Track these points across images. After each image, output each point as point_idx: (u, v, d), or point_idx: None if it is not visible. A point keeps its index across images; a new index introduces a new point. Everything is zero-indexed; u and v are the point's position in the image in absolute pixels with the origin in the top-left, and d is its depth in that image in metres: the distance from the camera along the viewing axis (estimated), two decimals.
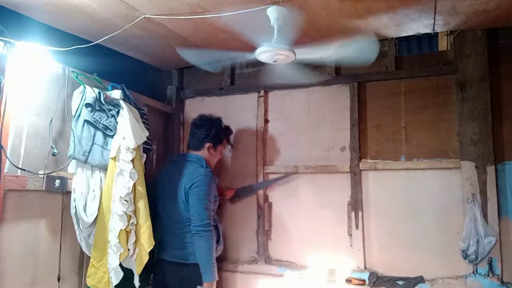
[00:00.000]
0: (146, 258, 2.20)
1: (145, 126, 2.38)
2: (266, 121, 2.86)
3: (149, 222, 2.24)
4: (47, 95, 2.06)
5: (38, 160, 1.99)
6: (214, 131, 2.52)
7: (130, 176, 2.13)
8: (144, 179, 2.27)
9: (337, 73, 2.68)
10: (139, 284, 2.22)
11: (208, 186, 2.34)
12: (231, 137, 2.79)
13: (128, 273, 2.18)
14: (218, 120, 2.58)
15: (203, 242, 2.24)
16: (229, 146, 2.84)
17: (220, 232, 2.50)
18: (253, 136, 2.84)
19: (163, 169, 2.68)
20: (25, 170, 1.90)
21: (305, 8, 1.94)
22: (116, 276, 2.07)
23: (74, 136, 2.06)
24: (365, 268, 2.47)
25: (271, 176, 2.80)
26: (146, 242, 2.20)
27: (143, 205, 2.23)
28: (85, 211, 2.09)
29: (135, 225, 2.19)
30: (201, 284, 2.24)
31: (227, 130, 2.65)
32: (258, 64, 2.34)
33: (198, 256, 2.25)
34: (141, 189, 2.23)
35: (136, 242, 2.19)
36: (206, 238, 2.25)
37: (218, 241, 2.43)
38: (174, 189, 2.39)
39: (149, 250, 2.21)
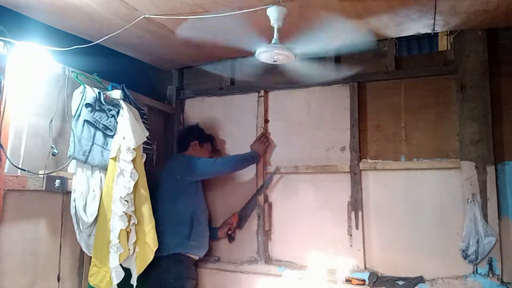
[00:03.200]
0: (151, 257, 2.24)
1: (145, 126, 2.38)
2: (266, 121, 2.86)
3: (153, 223, 2.26)
4: (47, 95, 2.06)
5: (38, 160, 1.99)
6: (196, 132, 2.77)
7: (130, 176, 2.13)
8: (145, 179, 2.28)
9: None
10: (135, 283, 2.22)
11: (199, 159, 2.58)
12: (215, 143, 2.89)
13: (128, 273, 2.19)
14: (197, 125, 2.84)
15: (222, 167, 2.68)
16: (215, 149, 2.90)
17: (194, 227, 2.52)
18: (253, 136, 2.84)
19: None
20: (25, 170, 1.90)
21: (305, 8, 1.94)
22: (117, 276, 2.08)
23: (74, 136, 2.06)
24: (365, 268, 2.47)
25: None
26: (152, 241, 2.24)
27: (146, 205, 2.24)
28: (85, 211, 2.10)
29: (136, 225, 2.20)
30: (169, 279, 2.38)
31: (209, 134, 2.83)
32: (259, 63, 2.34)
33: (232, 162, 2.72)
34: (143, 189, 2.25)
35: (136, 242, 2.20)
36: (221, 164, 2.66)
37: (188, 238, 2.48)
38: (161, 184, 2.55)
39: (155, 250, 2.24)
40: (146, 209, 2.24)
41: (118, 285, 2.10)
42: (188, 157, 2.63)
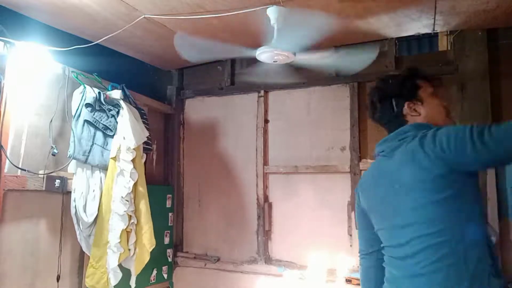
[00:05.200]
0: (147, 258, 2.22)
1: (145, 126, 2.38)
2: (266, 121, 2.85)
3: (151, 223, 2.25)
4: (47, 95, 2.07)
5: (38, 160, 2.00)
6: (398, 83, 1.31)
7: (130, 176, 2.13)
8: (145, 179, 2.27)
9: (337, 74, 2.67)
10: (135, 285, 2.22)
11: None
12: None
13: (127, 273, 2.19)
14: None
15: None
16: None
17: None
18: (253, 136, 2.84)
19: None
20: (25, 170, 1.90)
21: (305, 8, 1.94)
22: (115, 277, 2.07)
23: (74, 136, 2.06)
24: None
25: (272, 176, 2.80)
26: (148, 242, 2.22)
27: (144, 205, 2.23)
28: (85, 211, 2.09)
29: (135, 225, 2.19)
30: None
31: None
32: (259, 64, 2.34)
33: None
34: (142, 189, 2.24)
35: (136, 242, 2.19)
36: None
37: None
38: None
39: (150, 250, 2.23)
40: (144, 209, 2.24)
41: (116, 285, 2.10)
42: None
